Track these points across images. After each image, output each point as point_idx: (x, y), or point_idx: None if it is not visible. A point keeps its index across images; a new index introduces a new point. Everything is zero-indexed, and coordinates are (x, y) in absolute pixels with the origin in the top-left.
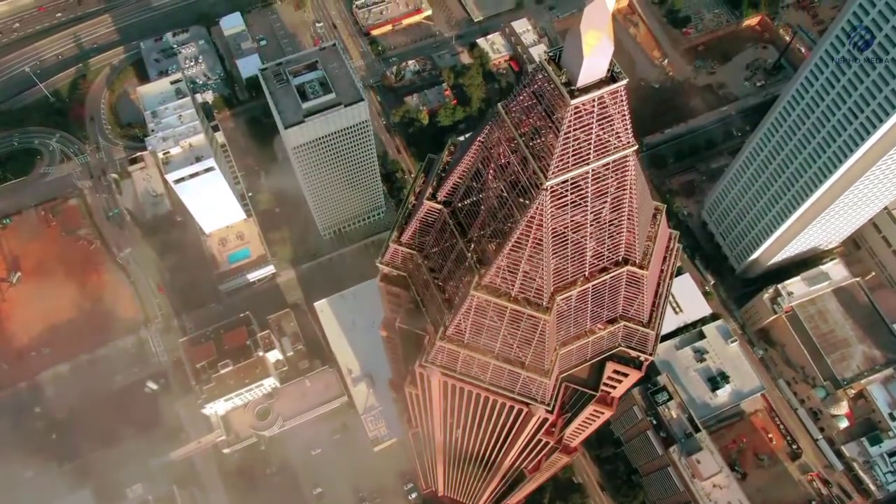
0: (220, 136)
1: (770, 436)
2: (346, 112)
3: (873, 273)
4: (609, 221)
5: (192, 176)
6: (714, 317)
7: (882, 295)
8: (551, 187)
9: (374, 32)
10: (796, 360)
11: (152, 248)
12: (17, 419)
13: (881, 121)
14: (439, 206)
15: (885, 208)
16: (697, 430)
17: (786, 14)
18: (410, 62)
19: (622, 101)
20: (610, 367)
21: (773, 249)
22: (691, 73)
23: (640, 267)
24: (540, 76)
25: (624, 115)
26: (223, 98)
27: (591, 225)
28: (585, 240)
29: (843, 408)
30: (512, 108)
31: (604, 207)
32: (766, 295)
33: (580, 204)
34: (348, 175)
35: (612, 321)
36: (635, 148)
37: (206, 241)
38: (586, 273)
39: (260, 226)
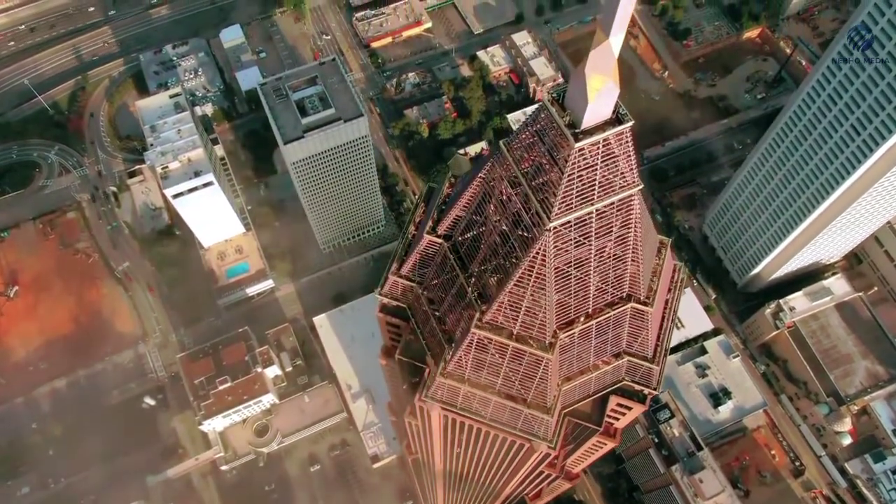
0: (219, 150)
1: (773, 452)
2: (345, 127)
3: (876, 288)
4: (613, 258)
5: (190, 191)
6: (716, 332)
7: (885, 310)
8: (554, 227)
9: (374, 45)
10: (799, 376)
11: (151, 261)
12: (13, 435)
13: (888, 134)
14: (439, 241)
15: (888, 222)
16: (700, 448)
17: (786, 26)
18: (410, 74)
19: (627, 142)
20: (613, 401)
21: (775, 264)
22: (692, 86)
23: (645, 303)
24: (543, 115)
25: (629, 156)
26: (222, 110)
27: (595, 262)
28: (589, 277)
29: (846, 424)
30: (514, 146)
31: (608, 245)
32: (768, 310)
33: (584, 242)
34: (348, 189)
35: (616, 356)
36: (640, 187)
37: (204, 255)
38: (590, 310)
39: (259, 239)
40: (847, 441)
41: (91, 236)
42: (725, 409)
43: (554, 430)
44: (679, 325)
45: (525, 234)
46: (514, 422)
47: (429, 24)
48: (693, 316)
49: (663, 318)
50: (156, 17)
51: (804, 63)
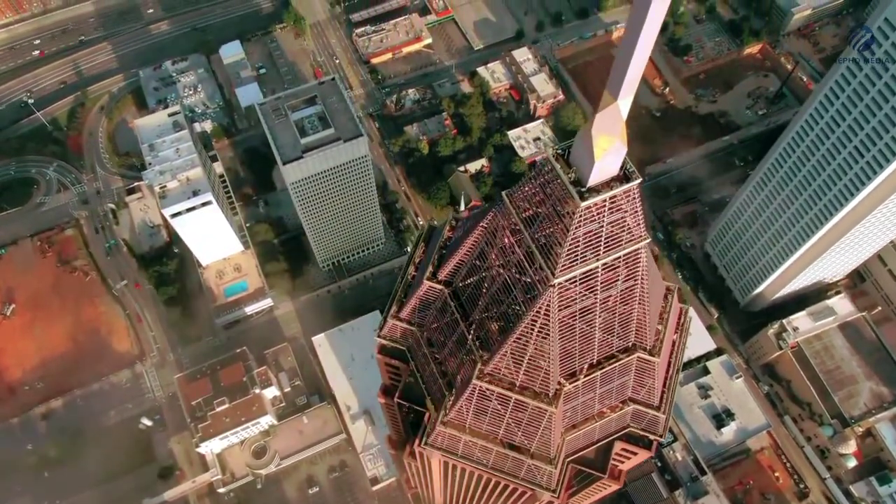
0: (218, 167)
1: (776, 475)
2: (345, 147)
3: (879, 308)
4: (619, 309)
5: (189, 210)
6: (718, 351)
7: (889, 329)
8: (559, 283)
9: (374, 61)
10: (803, 397)
11: (148, 280)
12: (8, 456)
13: (892, 156)
14: (440, 287)
15: (892, 241)
16: (703, 472)
17: (787, 42)
18: (410, 91)
19: (635, 197)
20: (618, 446)
21: (778, 284)
22: (692, 102)
23: (651, 353)
24: (547, 169)
25: (637, 211)
26: (222, 127)
27: (601, 313)
28: (594, 328)
29: (851, 446)
30: (517, 198)
31: (614, 296)
32: (771, 330)
33: (589, 295)
34: (347, 208)
35: (621, 403)
36: (648, 241)
37: (202, 273)
38: (595, 360)
39: (258, 257)
40: (852, 463)
41: (89, 254)
42: (729, 431)
43: (557, 480)
44: None
45: (528, 287)
46: (517, 471)
47: (429, 40)
48: (695, 335)
49: (669, 363)
50: (156, 32)
51: (805, 79)
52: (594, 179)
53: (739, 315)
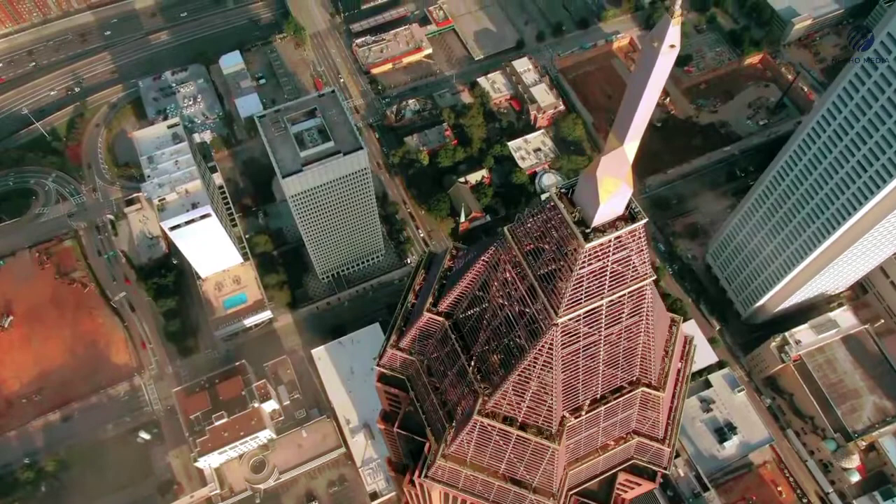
0: (217, 178)
1: (779, 489)
2: (345, 160)
3: (882, 320)
4: (624, 345)
5: (188, 223)
6: (720, 364)
7: (891, 342)
8: (563, 322)
9: (375, 71)
10: (805, 410)
11: (147, 291)
12: (5, 469)
13: None
14: (440, 319)
15: (895, 254)
16: (706, 488)
17: (787, 52)
18: (411, 101)
19: (641, 237)
20: (622, 477)
21: (780, 296)
22: (693, 112)
23: (656, 387)
24: (550, 206)
25: (642, 250)
26: (221, 137)
27: (605, 349)
28: (598, 364)
29: (854, 461)
30: (519, 233)
31: (618, 333)
32: (774, 343)
33: (593, 333)
34: (347, 221)
35: (625, 437)
36: (653, 278)
37: (201, 285)
38: (598, 395)
39: (257, 269)
40: (855, 478)
41: (87, 265)
42: (731, 445)
43: None
44: None
45: (531, 324)
46: None
47: (429, 51)
48: (697, 348)
49: (674, 394)
50: (155, 42)
51: (806, 89)
52: (599, 220)
53: (741, 327)
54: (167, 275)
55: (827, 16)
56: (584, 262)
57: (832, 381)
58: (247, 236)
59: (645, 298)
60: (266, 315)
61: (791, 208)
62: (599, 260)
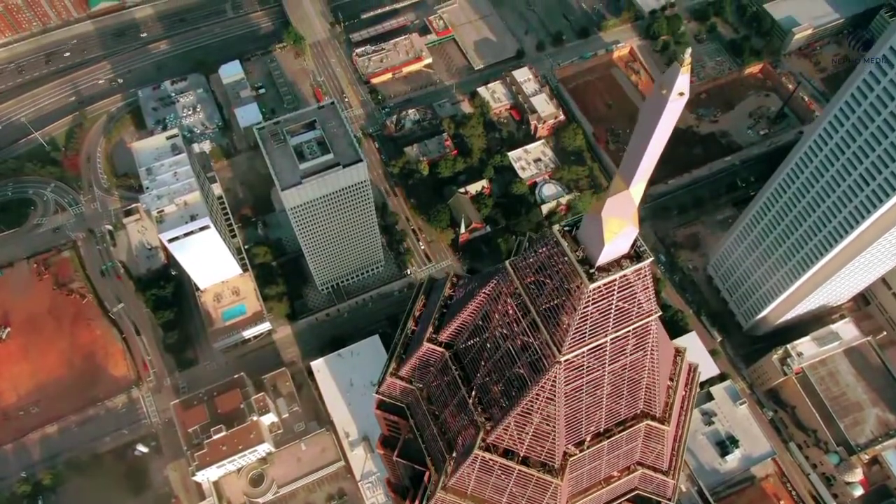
0: (216, 188)
1: (781, 503)
2: (344, 173)
3: (885, 332)
4: (628, 379)
5: (186, 235)
6: (722, 377)
7: (894, 354)
8: (566, 360)
9: (374, 81)
10: (808, 423)
11: (146, 302)
12: (1, 483)
13: None
14: (440, 349)
15: None
16: (708, 503)
17: (788, 62)
18: (411, 111)
19: (647, 275)
20: None
21: (782, 308)
22: (694, 122)
23: (661, 420)
24: (553, 243)
25: (648, 287)
26: (221, 147)
27: (609, 384)
28: (602, 399)
29: (857, 475)
30: (521, 268)
31: (622, 368)
32: (776, 356)
33: (597, 369)
34: (347, 232)
35: (629, 468)
36: (658, 314)
37: (200, 296)
38: (602, 429)
39: (256, 280)
40: (858, 492)
41: (85, 276)
42: (733, 459)
43: None
44: None
45: (534, 360)
46: None
47: (429, 60)
48: (699, 360)
49: (679, 423)
50: (154, 51)
51: (806, 99)
52: (604, 259)
53: (743, 339)
54: (166, 286)
55: (827, 25)
56: (588, 301)
57: (835, 394)
58: (246, 247)
59: (650, 334)
60: (265, 326)
61: (793, 220)
62: (604, 298)
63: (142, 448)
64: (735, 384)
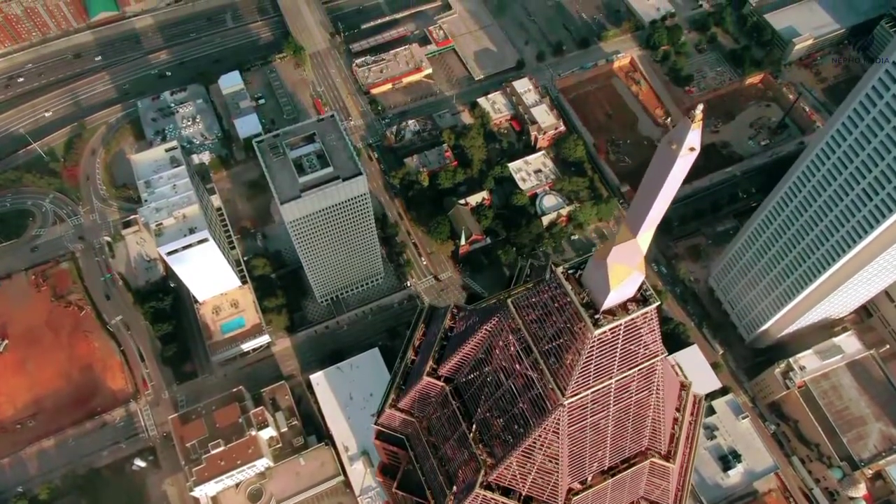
0: (216, 199)
1: None
2: (344, 186)
3: (888, 346)
4: (633, 417)
5: (185, 248)
6: (724, 390)
7: None
8: (570, 403)
9: (374, 91)
10: (811, 438)
11: (144, 315)
12: None
13: None
14: (440, 384)
15: None
16: None
17: (788, 72)
18: (410, 122)
19: (653, 318)
20: None
21: (784, 321)
22: None
23: (666, 458)
24: (555, 285)
25: (653, 330)
26: (220, 158)
27: (613, 425)
28: (606, 438)
29: (860, 490)
30: (523, 307)
31: (627, 407)
32: (778, 369)
33: (601, 409)
34: (346, 245)
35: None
36: (665, 356)
37: (199, 309)
38: (606, 466)
39: (255, 292)
40: None
41: (84, 288)
42: (735, 473)
43: None
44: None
45: (537, 402)
46: None
47: (429, 71)
48: (700, 373)
49: (685, 460)
50: (154, 62)
51: (807, 109)
52: (609, 304)
53: (745, 351)
54: (164, 298)
55: (828, 36)
56: (592, 346)
57: (838, 408)
58: (245, 259)
59: (655, 374)
60: (264, 339)
61: (796, 233)
62: (609, 342)
63: (140, 462)
64: (737, 398)
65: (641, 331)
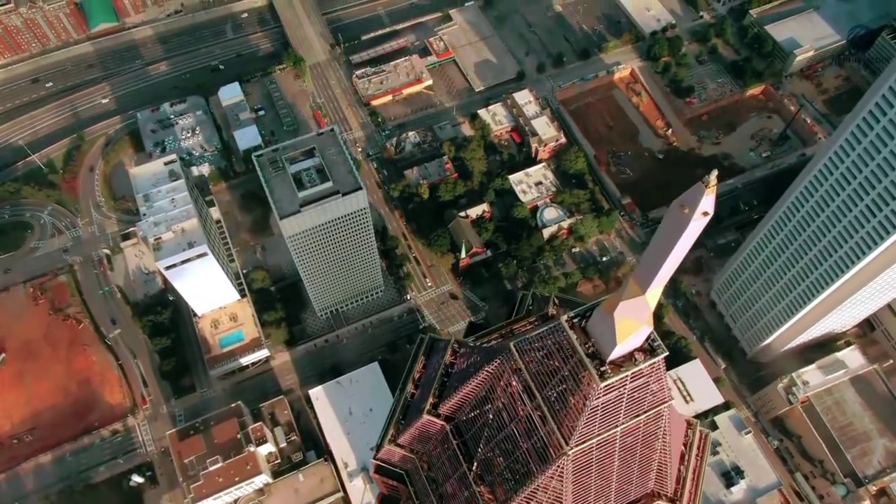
0: (215, 212)
1: None
2: (344, 201)
3: (892, 360)
4: (639, 461)
5: (184, 262)
6: (726, 405)
7: None
8: (573, 453)
9: (374, 103)
10: (814, 454)
11: (142, 329)
12: None
13: None
14: (440, 422)
15: None
16: None
17: (790, 83)
18: (411, 133)
19: (661, 368)
20: None
21: (787, 336)
22: (696, 144)
23: (672, 500)
24: (559, 332)
25: (660, 379)
26: (220, 170)
27: (618, 470)
28: (611, 484)
29: None
30: (526, 351)
31: (633, 452)
32: (781, 384)
33: (606, 456)
34: (346, 259)
35: None
36: (671, 402)
37: (197, 322)
38: None
39: (255, 305)
40: None
41: (82, 301)
42: (738, 490)
43: None
44: (688, 398)
45: (540, 449)
46: None
47: (429, 82)
48: (702, 388)
49: (692, 497)
50: (154, 73)
51: (809, 121)
52: (615, 355)
53: (748, 365)
54: (163, 311)
55: (828, 47)
56: (598, 396)
57: (841, 424)
58: (244, 271)
59: (662, 419)
60: (263, 353)
61: (799, 247)
62: (615, 392)
63: (137, 478)
64: (740, 413)
65: (649, 380)
